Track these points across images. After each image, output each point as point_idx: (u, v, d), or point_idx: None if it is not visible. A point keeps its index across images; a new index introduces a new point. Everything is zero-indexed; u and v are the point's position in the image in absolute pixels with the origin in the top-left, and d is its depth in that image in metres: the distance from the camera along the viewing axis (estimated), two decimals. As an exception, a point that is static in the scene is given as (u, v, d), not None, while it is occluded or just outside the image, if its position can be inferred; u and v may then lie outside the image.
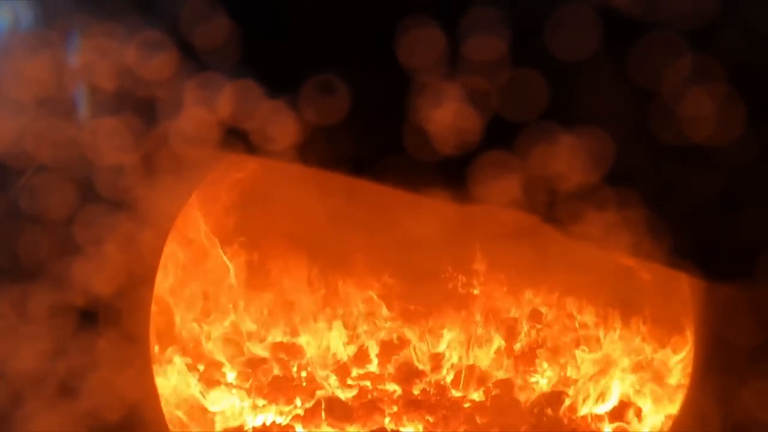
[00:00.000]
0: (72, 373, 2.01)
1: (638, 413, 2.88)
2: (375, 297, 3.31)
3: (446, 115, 1.87)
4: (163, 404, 2.61)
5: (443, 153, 1.90)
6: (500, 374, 3.05)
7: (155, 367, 2.70)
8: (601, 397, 2.97)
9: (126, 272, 2.05)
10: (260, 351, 3.08)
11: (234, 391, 2.91)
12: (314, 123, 1.93)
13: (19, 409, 1.98)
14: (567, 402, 2.91)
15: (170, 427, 2.63)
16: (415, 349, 3.18)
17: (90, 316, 2.04)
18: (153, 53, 1.89)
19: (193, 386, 2.87)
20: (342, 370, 3.05)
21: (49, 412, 1.99)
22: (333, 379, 2.99)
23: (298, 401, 2.87)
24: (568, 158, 1.92)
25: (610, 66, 1.85)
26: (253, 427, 2.78)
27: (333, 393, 2.92)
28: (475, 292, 3.36)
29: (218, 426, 2.78)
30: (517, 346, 3.17)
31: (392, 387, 3.01)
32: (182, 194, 2.27)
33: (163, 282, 2.87)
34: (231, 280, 3.20)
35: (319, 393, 2.90)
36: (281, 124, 1.92)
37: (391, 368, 3.09)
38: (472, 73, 1.85)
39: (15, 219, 1.99)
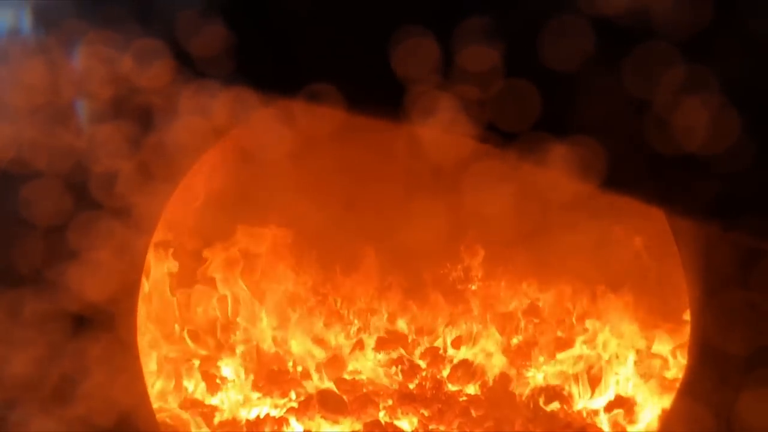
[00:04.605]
0: (65, 379, 2.01)
1: (634, 407, 2.88)
2: (372, 292, 3.32)
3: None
4: (157, 400, 2.64)
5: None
6: (496, 368, 3.05)
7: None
8: (597, 391, 2.97)
9: (118, 278, 2.05)
10: (256, 345, 3.08)
11: (229, 384, 2.92)
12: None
13: (13, 414, 1.99)
14: (563, 396, 2.91)
15: (164, 420, 2.66)
16: (411, 344, 3.19)
17: (83, 322, 2.03)
18: (150, 61, 1.87)
19: (187, 380, 2.88)
20: (337, 364, 3.05)
21: (42, 417, 1.99)
22: (328, 373, 3.00)
23: (292, 394, 2.88)
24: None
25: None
26: (247, 420, 2.79)
27: (328, 386, 2.92)
28: (473, 287, 3.37)
29: (213, 419, 2.79)
30: (514, 341, 3.18)
31: (387, 381, 3.02)
32: (164, 196, 2.26)
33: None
34: (227, 276, 3.21)
35: (314, 386, 2.92)
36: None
37: (386, 362, 3.09)
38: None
39: (8, 225, 1.98)
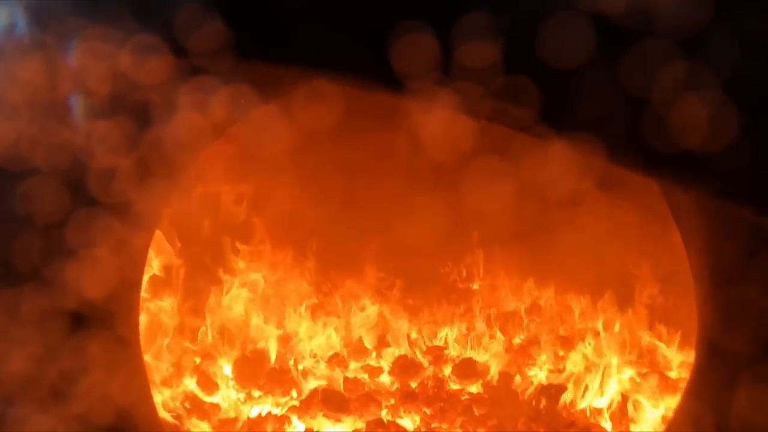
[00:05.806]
0: (65, 377, 2.00)
1: (637, 406, 2.87)
2: (374, 291, 3.32)
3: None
4: (158, 397, 2.64)
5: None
6: (499, 367, 3.04)
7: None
8: (600, 390, 2.96)
9: (117, 275, 2.04)
10: (257, 343, 3.07)
11: (230, 383, 2.91)
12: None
13: (12, 411, 1.98)
14: (565, 395, 2.89)
15: (166, 418, 2.66)
16: (413, 343, 3.19)
17: (82, 319, 2.02)
18: (147, 57, 1.87)
19: (189, 378, 2.88)
20: (339, 363, 3.05)
21: (41, 415, 1.98)
22: (330, 372, 3.00)
23: (294, 393, 2.87)
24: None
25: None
26: (249, 418, 2.78)
27: (329, 385, 2.92)
28: (474, 287, 3.36)
29: (214, 417, 2.78)
30: (516, 340, 3.17)
31: (390, 380, 3.01)
32: (164, 193, 2.25)
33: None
34: (228, 275, 3.22)
35: (316, 385, 2.91)
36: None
37: (389, 361, 3.09)
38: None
39: (6, 222, 1.98)
